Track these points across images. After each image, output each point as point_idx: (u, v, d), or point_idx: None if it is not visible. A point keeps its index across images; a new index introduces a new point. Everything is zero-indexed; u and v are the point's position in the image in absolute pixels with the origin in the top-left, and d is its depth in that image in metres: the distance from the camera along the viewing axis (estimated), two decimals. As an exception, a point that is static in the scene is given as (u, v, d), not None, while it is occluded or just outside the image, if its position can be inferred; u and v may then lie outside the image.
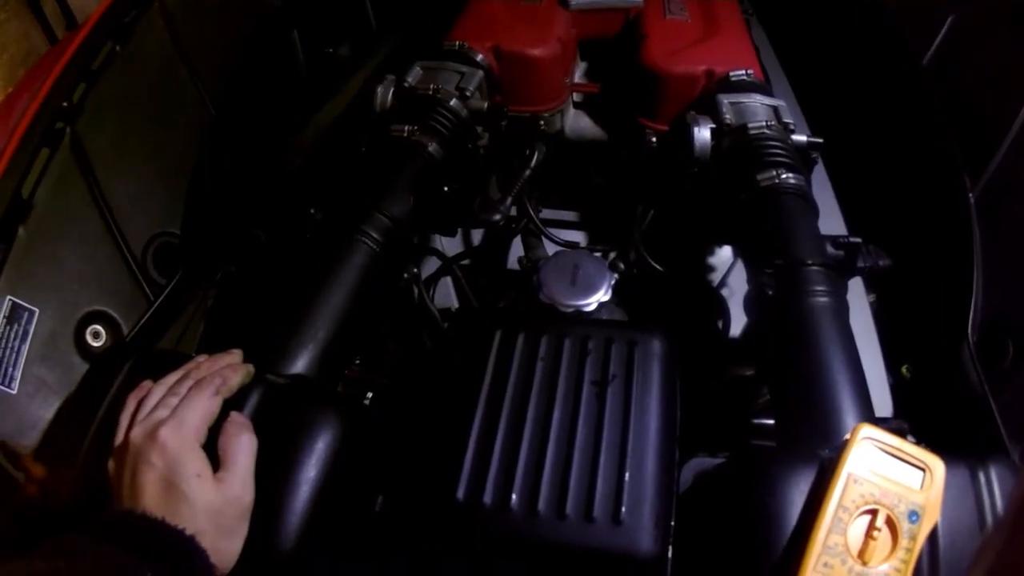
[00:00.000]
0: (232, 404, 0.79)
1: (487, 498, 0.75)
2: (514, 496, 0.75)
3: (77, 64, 1.10)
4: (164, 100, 1.31)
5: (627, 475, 0.75)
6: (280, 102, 1.65)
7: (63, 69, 1.08)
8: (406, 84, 1.24)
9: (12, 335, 0.94)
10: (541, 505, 0.74)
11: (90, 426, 0.83)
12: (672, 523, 0.75)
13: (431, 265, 1.29)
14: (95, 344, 1.06)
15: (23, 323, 0.95)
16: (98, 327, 1.08)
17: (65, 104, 1.07)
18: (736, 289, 1.21)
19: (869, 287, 1.26)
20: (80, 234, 1.09)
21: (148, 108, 1.25)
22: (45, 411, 0.96)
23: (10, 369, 0.92)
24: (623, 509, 0.73)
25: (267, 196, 1.52)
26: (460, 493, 0.76)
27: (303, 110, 1.67)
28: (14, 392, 0.92)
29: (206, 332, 1.34)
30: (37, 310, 0.97)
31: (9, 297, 0.94)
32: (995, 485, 0.71)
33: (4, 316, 0.93)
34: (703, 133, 1.12)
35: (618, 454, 0.76)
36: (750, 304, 1.01)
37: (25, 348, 0.95)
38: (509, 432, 0.80)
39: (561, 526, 0.73)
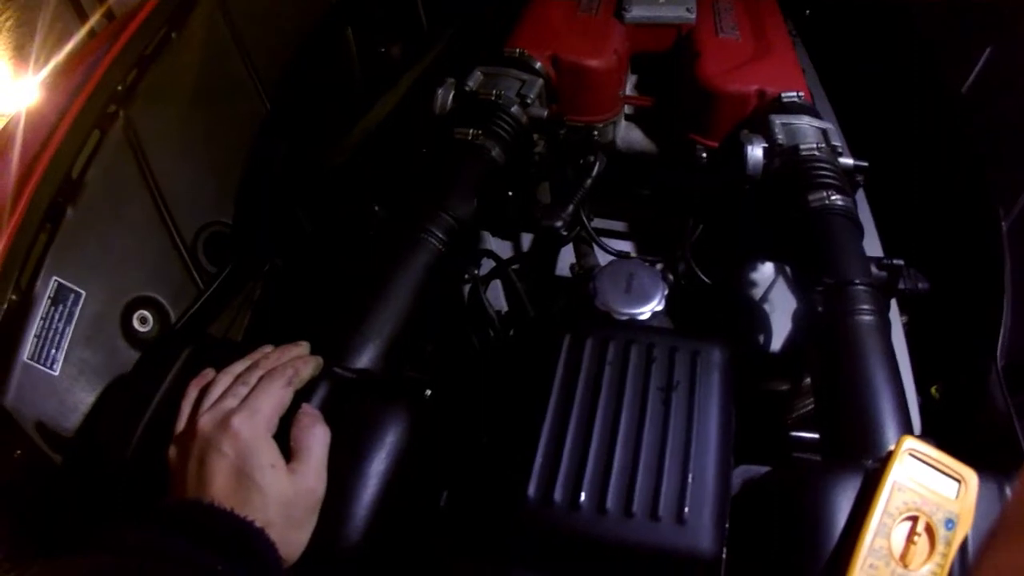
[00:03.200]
0: (301, 396, 0.79)
1: (557, 496, 0.78)
2: (583, 495, 0.78)
3: (132, 47, 1.10)
4: (218, 90, 1.31)
5: (690, 477, 0.79)
6: (332, 98, 1.68)
7: (118, 52, 1.08)
8: (467, 88, 1.27)
9: (57, 316, 0.93)
10: (609, 504, 0.77)
11: (144, 412, 0.82)
12: (727, 525, 0.78)
13: (481, 267, 1.31)
14: (142, 330, 1.06)
15: (69, 305, 0.95)
16: (145, 312, 1.08)
17: (119, 87, 1.07)
18: (776, 305, 1.25)
19: (902, 309, 1.30)
20: (130, 218, 1.09)
21: (202, 97, 1.26)
22: (88, 395, 0.96)
23: (53, 351, 0.92)
24: (686, 509, 0.77)
25: (315, 191, 1.54)
26: (531, 491, 0.79)
27: (354, 107, 1.69)
28: (56, 374, 0.92)
29: (252, 324, 1.35)
30: (84, 292, 0.97)
31: (55, 278, 0.94)
32: (1022, 500, 0.75)
33: (49, 297, 0.93)
34: (756, 152, 1.15)
35: (682, 457, 0.80)
36: (795, 319, 1.05)
37: (70, 330, 0.95)
38: (578, 433, 0.83)
39: (628, 524, 0.76)
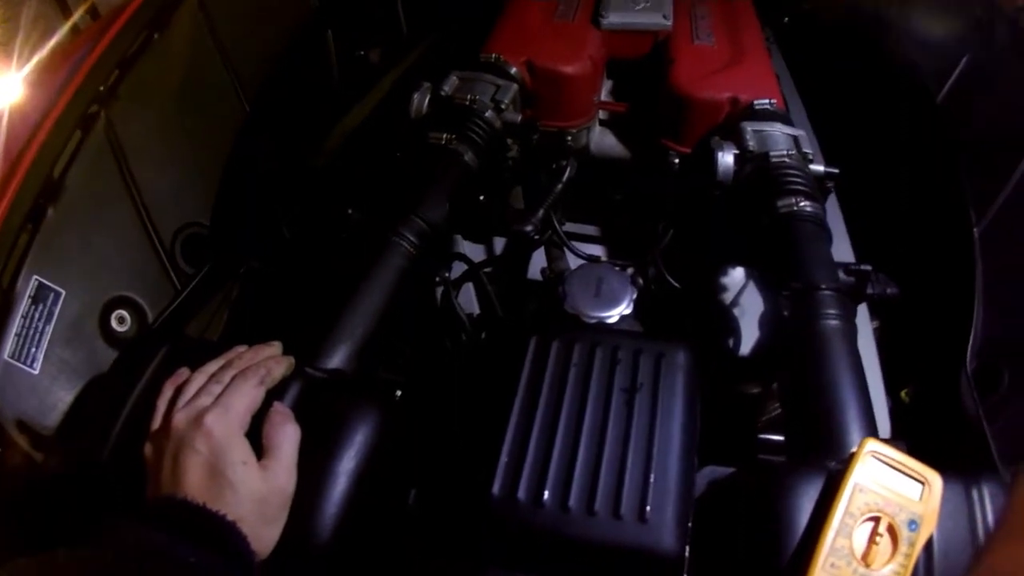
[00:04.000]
0: (273, 395, 0.80)
1: (521, 494, 0.79)
2: (547, 493, 0.79)
3: (114, 49, 1.11)
4: (199, 92, 1.32)
5: (652, 476, 0.79)
6: (312, 101, 1.68)
7: (101, 52, 1.08)
8: (442, 92, 1.27)
9: (37, 315, 0.94)
10: (572, 502, 0.78)
11: (121, 411, 0.83)
12: (690, 524, 0.79)
13: (453, 270, 1.31)
14: (120, 329, 1.07)
15: (48, 304, 0.96)
16: (124, 312, 1.08)
17: (101, 88, 1.08)
18: (747, 309, 1.25)
19: (873, 313, 1.31)
20: (110, 219, 1.09)
21: (183, 98, 1.26)
22: (67, 393, 0.96)
23: (33, 349, 0.93)
24: (648, 508, 0.77)
25: (293, 194, 1.54)
26: (495, 489, 0.80)
27: (333, 110, 1.70)
28: (36, 372, 0.93)
29: (229, 324, 1.35)
30: (63, 292, 0.98)
31: (36, 277, 0.94)
32: (987, 502, 0.76)
33: (30, 296, 0.93)
34: (727, 158, 1.16)
35: (644, 457, 0.81)
36: (766, 323, 1.05)
37: (49, 329, 0.95)
38: (543, 433, 0.84)
39: (590, 522, 0.77)
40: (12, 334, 0.91)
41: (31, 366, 0.92)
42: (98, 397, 0.94)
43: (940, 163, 1.45)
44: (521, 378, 0.89)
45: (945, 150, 1.44)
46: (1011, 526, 0.45)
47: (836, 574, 0.70)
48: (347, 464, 0.77)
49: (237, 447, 0.72)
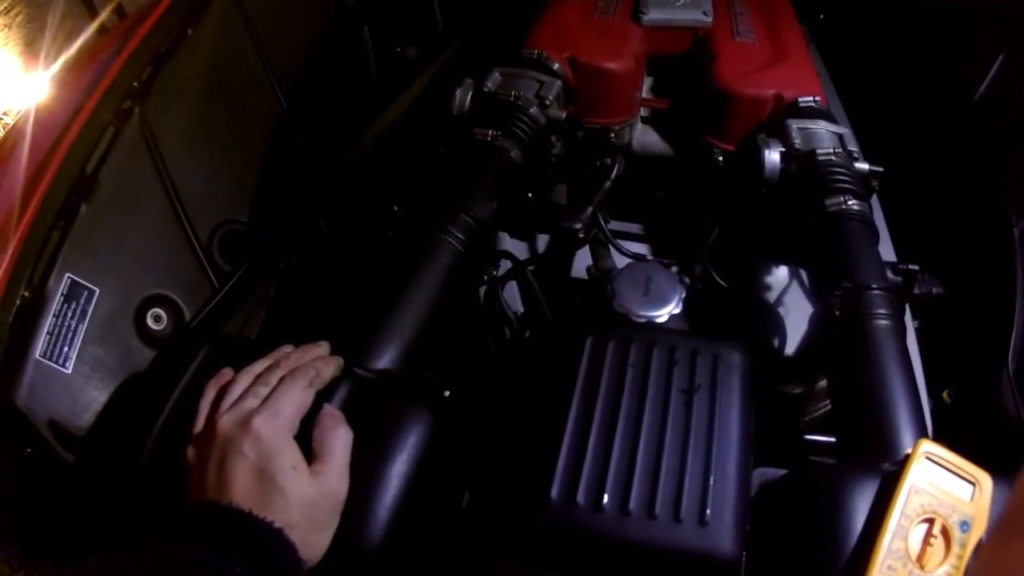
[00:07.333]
0: (322, 397, 0.78)
1: (580, 498, 0.79)
2: (606, 496, 0.79)
3: (148, 44, 1.10)
4: (234, 87, 1.31)
5: (712, 479, 0.80)
6: (348, 97, 1.68)
7: (133, 48, 1.08)
8: (486, 88, 1.27)
9: (70, 313, 0.93)
10: (632, 505, 0.78)
11: (161, 411, 0.82)
12: (747, 527, 0.79)
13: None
14: (156, 328, 1.06)
15: (82, 302, 0.95)
16: (159, 311, 1.08)
17: (135, 84, 1.07)
18: (791, 308, 1.25)
19: (915, 313, 1.31)
20: (145, 215, 1.09)
21: (218, 94, 1.26)
22: (101, 393, 0.95)
23: (66, 348, 0.92)
24: (708, 511, 0.78)
25: (331, 190, 1.55)
26: (554, 493, 0.80)
27: (369, 107, 1.70)
28: (69, 372, 0.92)
29: (267, 323, 1.35)
30: (97, 290, 0.97)
31: (68, 275, 0.94)
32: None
33: (63, 294, 0.93)
34: (773, 156, 1.16)
35: (704, 459, 0.81)
36: (809, 323, 1.05)
37: (83, 328, 0.94)
38: (601, 434, 0.84)
39: (650, 526, 0.77)
40: (44, 332, 0.90)
41: (63, 365, 0.92)
42: (137, 396, 0.92)
43: (979, 162, 1.44)
44: (578, 379, 0.89)
45: (983, 148, 1.44)
46: (1012, 523, 0.45)
47: (893, 576, 0.70)
48: (399, 467, 0.76)
49: (287, 451, 0.71)
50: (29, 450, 0.88)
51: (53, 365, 0.91)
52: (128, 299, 1.03)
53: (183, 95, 1.18)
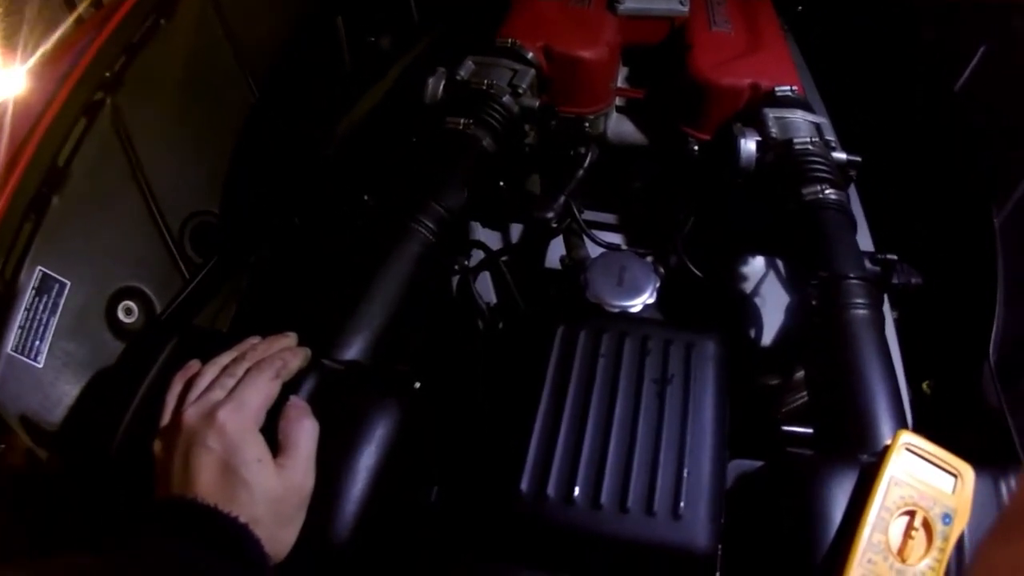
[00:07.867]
0: (289, 388, 0.77)
1: (551, 491, 0.77)
2: (577, 489, 0.77)
3: (120, 35, 1.08)
4: (207, 79, 1.30)
5: (686, 471, 0.78)
6: (322, 88, 1.66)
7: (106, 39, 1.05)
8: (458, 77, 1.25)
9: (41, 307, 0.91)
10: (604, 498, 0.76)
11: (129, 405, 0.81)
12: (722, 520, 0.78)
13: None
14: (127, 320, 1.04)
15: (53, 295, 0.93)
16: (131, 303, 1.06)
17: (107, 75, 1.05)
18: (767, 298, 1.24)
19: (893, 304, 1.29)
20: (116, 207, 1.07)
21: (190, 86, 1.24)
22: (73, 387, 0.94)
23: (37, 342, 0.90)
24: (682, 504, 0.76)
25: (304, 182, 1.53)
26: (524, 485, 0.78)
27: (344, 97, 1.68)
28: (40, 366, 0.90)
29: (239, 315, 1.33)
30: (68, 282, 0.95)
31: (40, 268, 0.92)
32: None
33: (34, 287, 0.91)
34: (749, 145, 1.15)
35: (677, 451, 0.79)
36: (786, 313, 1.04)
37: (54, 321, 0.93)
38: (572, 426, 0.82)
39: (622, 519, 0.76)
40: (15, 327, 0.88)
41: (35, 359, 0.90)
42: (105, 391, 0.91)
43: (958, 152, 1.44)
44: (548, 369, 0.87)
45: (963, 139, 1.43)
46: (1012, 523, 0.44)
47: (873, 570, 0.69)
48: (367, 460, 0.74)
49: (252, 444, 0.69)
50: (1, 446, 0.86)
51: (25, 359, 0.89)
52: (99, 292, 1.02)
53: (156, 86, 1.16)
